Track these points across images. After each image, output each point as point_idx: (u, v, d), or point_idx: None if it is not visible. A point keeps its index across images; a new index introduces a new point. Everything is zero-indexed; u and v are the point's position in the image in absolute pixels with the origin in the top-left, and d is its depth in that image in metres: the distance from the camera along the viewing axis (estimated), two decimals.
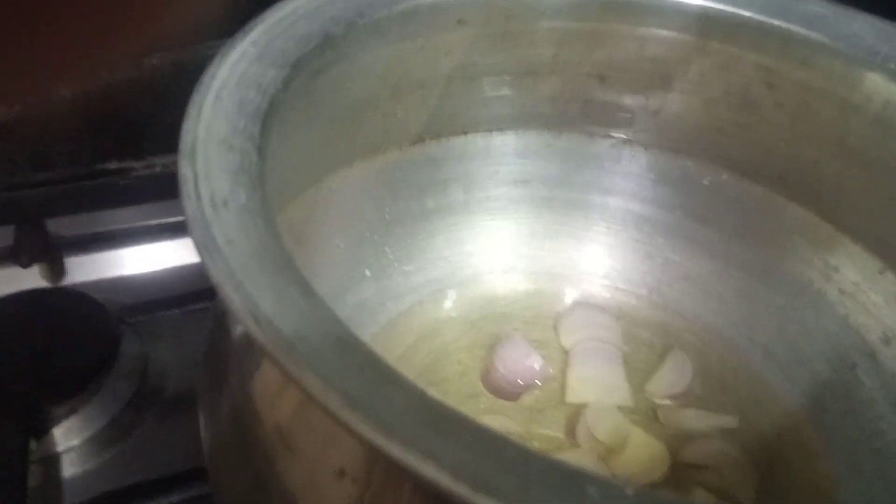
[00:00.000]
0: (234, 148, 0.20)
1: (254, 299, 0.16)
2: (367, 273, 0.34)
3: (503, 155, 0.38)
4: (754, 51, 0.33)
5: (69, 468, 0.32)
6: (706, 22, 0.33)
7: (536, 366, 0.35)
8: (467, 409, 0.33)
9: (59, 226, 0.43)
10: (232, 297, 0.16)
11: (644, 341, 0.37)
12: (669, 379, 0.35)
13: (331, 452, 0.18)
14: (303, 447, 0.19)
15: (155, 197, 0.47)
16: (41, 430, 0.33)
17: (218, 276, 0.16)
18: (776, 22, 0.32)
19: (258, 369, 0.20)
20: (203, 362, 0.25)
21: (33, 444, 0.32)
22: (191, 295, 0.39)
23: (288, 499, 0.19)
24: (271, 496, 0.20)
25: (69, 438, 0.33)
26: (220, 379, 0.23)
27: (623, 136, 0.38)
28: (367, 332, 0.33)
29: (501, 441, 0.15)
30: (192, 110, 0.21)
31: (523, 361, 0.35)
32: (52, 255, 0.41)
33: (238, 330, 0.22)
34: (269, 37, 0.25)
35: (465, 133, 0.37)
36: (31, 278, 0.40)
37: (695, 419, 0.34)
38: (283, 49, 0.25)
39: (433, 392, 0.33)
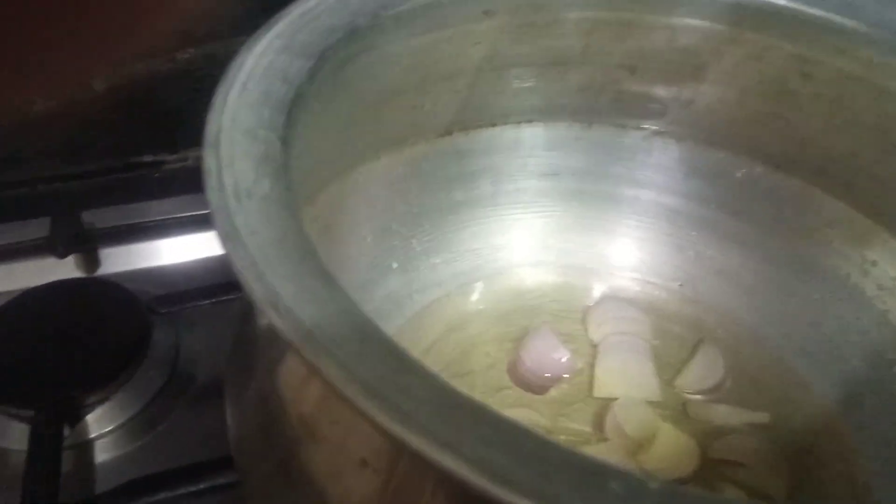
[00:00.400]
0: (259, 138, 0.20)
1: (275, 289, 0.16)
2: (395, 265, 0.34)
3: (532, 147, 0.37)
4: (789, 40, 0.32)
5: (101, 454, 0.33)
6: (739, 11, 0.32)
7: (564, 359, 0.35)
8: (494, 402, 0.33)
9: (94, 217, 0.44)
10: (254, 287, 0.16)
11: (675, 336, 0.36)
12: (700, 373, 0.35)
13: (353, 442, 0.18)
14: (326, 437, 0.19)
15: (188, 189, 0.47)
16: (75, 417, 0.33)
17: (240, 267, 0.16)
18: (811, 10, 0.31)
19: (283, 359, 0.20)
20: (230, 352, 0.25)
21: (67, 431, 0.33)
22: (222, 286, 0.40)
23: (312, 488, 0.20)
24: (295, 485, 0.20)
25: (102, 425, 0.34)
26: (247, 368, 0.23)
27: (654, 127, 0.37)
28: (394, 325, 0.33)
29: (522, 433, 0.14)
30: (217, 101, 0.21)
31: (551, 354, 0.35)
32: (86, 245, 0.42)
33: (262, 320, 0.22)
34: (294, 28, 0.25)
35: (494, 125, 0.37)
36: (66, 269, 0.41)
37: (725, 415, 0.33)
38: (309, 41, 0.25)
39: (459, 384, 0.33)
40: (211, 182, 0.19)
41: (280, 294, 0.16)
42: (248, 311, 0.25)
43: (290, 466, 0.20)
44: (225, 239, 0.17)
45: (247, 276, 0.16)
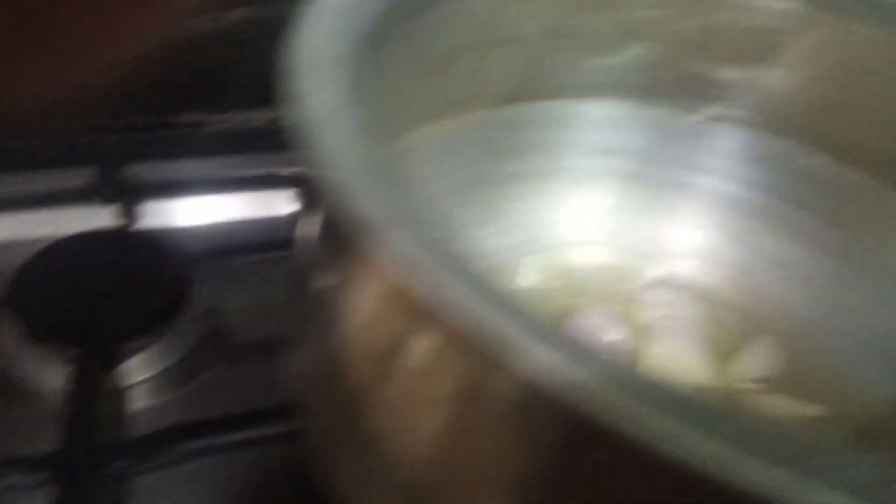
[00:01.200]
0: (346, 67, 0.20)
1: (373, 208, 0.15)
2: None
3: (590, 124, 0.37)
4: (869, 23, 0.31)
5: (138, 401, 0.32)
6: None
7: (609, 341, 0.34)
8: None
9: (139, 170, 0.43)
10: (350, 206, 0.15)
11: (727, 325, 0.35)
12: (753, 362, 0.34)
13: (425, 380, 0.17)
14: (396, 375, 0.18)
15: (228, 151, 0.47)
16: (112, 363, 0.33)
17: (332, 185, 0.16)
18: None
19: (360, 295, 0.19)
20: (294, 303, 0.24)
21: (105, 377, 0.32)
22: (262, 244, 0.39)
23: (380, 426, 0.19)
24: (362, 427, 0.19)
25: (139, 373, 0.33)
26: (311, 313, 0.22)
27: (718, 110, 0.36)
28: None
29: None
30: (300, 33, 0.21)
31: (596, 336, 0.34)
32: (129, 198, 0.42)
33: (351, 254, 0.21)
34: None
35: (553, 98, 0.36)
36: (107, 218, 0.41)
37: (777, 405, 0.32)
38: None
39: None
40: (297, 107, 0.18)
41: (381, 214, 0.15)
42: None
43: (359, 408, 0.19)
44: (312, 161, 0.16)
45: (341, 195, 0.16)
